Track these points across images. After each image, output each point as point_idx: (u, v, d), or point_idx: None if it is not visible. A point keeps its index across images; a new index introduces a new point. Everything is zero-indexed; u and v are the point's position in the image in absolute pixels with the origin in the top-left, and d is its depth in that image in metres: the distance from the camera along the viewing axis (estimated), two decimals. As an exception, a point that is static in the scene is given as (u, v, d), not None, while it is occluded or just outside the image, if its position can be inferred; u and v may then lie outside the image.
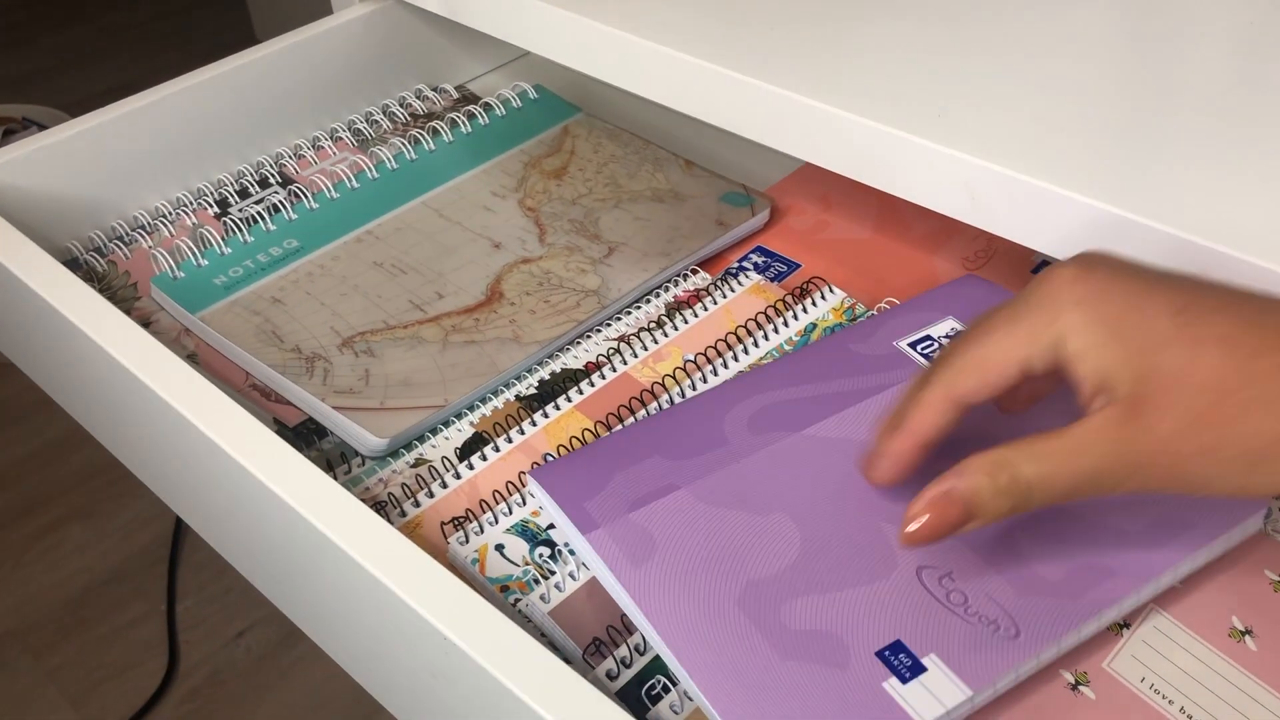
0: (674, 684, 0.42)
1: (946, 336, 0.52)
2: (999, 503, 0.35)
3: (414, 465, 0.54)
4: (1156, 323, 0.34)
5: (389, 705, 0.50)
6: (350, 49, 0.77)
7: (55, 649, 1.36)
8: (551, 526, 0.49)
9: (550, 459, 0.52)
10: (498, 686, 0.39)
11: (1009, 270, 0.66)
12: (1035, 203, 0.45)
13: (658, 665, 0.43)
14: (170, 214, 0.71)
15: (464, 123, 0.75)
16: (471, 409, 0.56)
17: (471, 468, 0.52)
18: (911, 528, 0.37)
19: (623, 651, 0.43)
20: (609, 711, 0.37)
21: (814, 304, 0.59)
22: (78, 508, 1.53)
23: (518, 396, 0.57)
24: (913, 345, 0.52)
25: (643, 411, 0.52)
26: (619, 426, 0.51)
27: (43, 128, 1.69)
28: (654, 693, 0.42)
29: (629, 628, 0.44)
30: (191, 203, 0.71)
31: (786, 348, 0.57)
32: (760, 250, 0.68)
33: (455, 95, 0.81)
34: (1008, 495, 0.35)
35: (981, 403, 0.38)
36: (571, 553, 0.47)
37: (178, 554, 1.48)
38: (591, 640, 0.43)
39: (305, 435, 0.57)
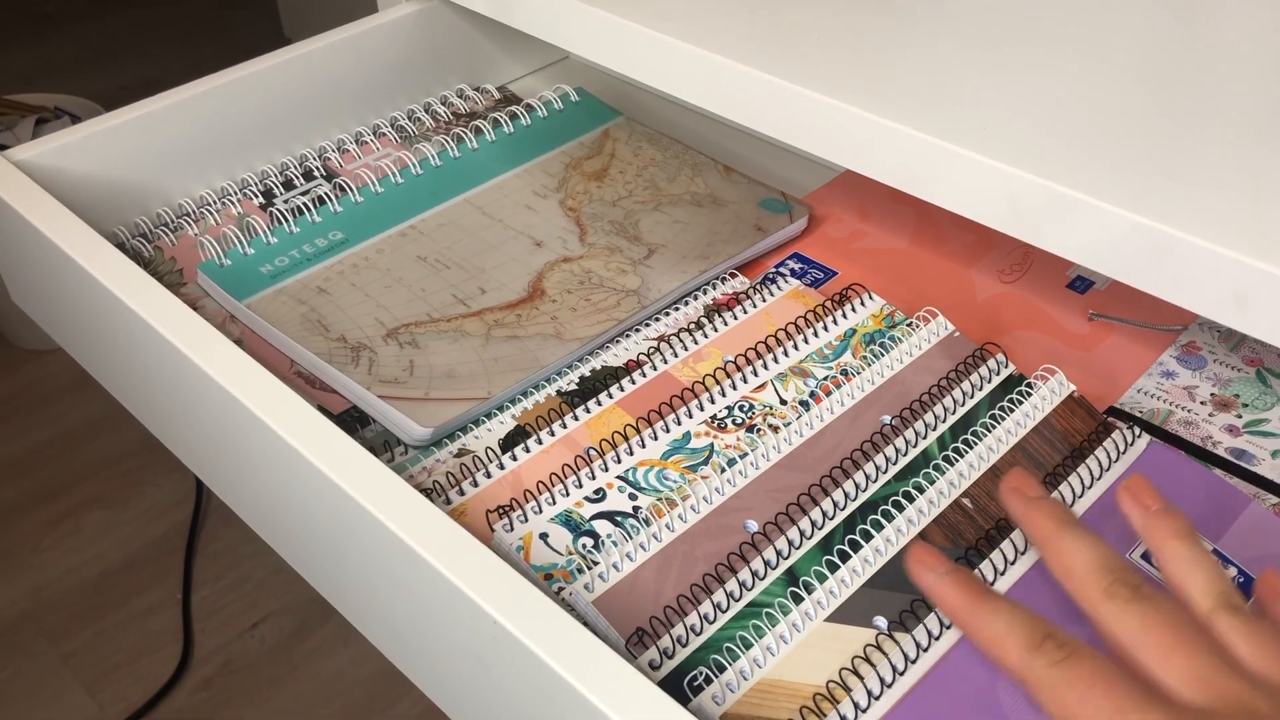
0: (717, 674, 0.43)
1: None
2: None
3: (457, 455, 0.54)
4: None
5: (430, 691, 0.50)
6: (394, 47, 0.79)
7: (71, 634, 1.37)
8: (595, 517, 0.49)
9: (593, 451, 0.53)
10: (546, 671, 0.39)
11: (1043, 286, 0.67)
12: (1078, 216, 0.46)
13: (699, 656, 0.44)
14: (215, 203, 0.72)
15: (506, 122, 0.76)
16: (514, 402, 0.57)
17: (515, 459, 0.53)
18: None
19: (665, 642, 0.44)
20: (656, 698, 0.38)
21: (853, 310, 0.60)
22: (97, 495, 1.55)
23: (559, 392, 0.58)
24: (1146, 558, 0.48)
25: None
26: None
27: (75, 117, 1.70)
28: (696, 684, 0.43)
29: (670, 620, 0.45)
30: (236, 193, 0.72)
31: (826, 351, 0.58)
32: (797, 257, 0.69)
33: (496, 96, 0.82)
34: None
35: None
36: (614, 544, 0.48)
37: (194, 543, 1.49)
38: (635, 630, 0.44)
39: (348, 424, 0.58)
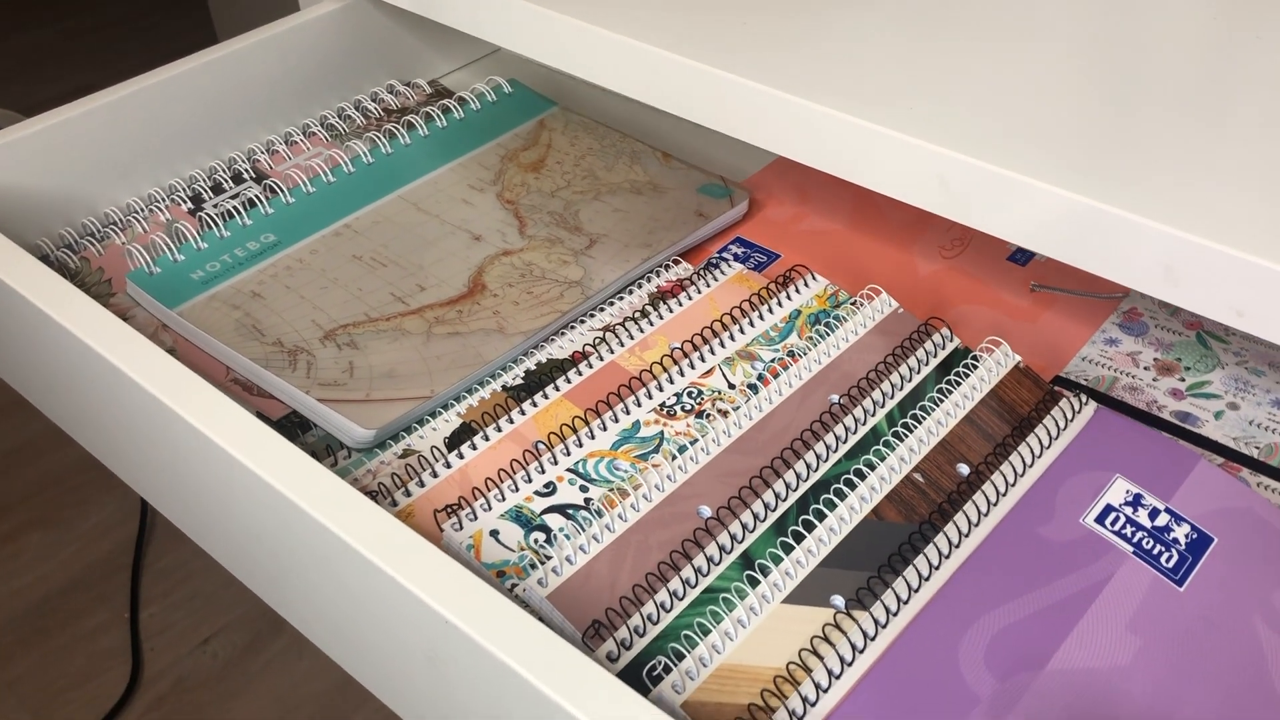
0: (676, 663, 0.42)
1: (1128, 504, 0.49)
2: None
3: (402, 456, 0.53)
4: None
5: (382, 694, 0.49)
6: (320, 44, 0.77)
7: (15, 659, 1.33)
8: (546, 511, 0.49)
9: (541, 445, 0.52)
10: (499, 666, 0.39)
11: (983, 260, 0.67)
12: (1008, 194, 0.45)
13: (657, 646, 0.43)
14: (143, 210, 0.70)
15: (439, 117, 0.75)
16: (458, 400, 0.56)
17: (462, 456, 0.52)
18: None
19: (623, 634, 0.43)
20: (614, 689, 0.37)
21: (797, 291, 0.60)
22: (37, 516, 1.50)
23: (504, 387, 0.57)
24: (1100, 521, 0.48)
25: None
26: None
27: None
28: (655, 673, 0.42)
29: (627, 610, 0.44)
30: (164, 199, 0.70)
31: (772, 334, 0.58)
32: (740, 241, 0.68)
33: (428, 90, 0.81)
34: None
35: None
36: (567, 537, 0.47)
37: (141, 560, 1.45)
38: (591, 623, 0.43)
39: (289, 429, 0.56)
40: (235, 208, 0.68)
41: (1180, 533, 0.48)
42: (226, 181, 0.72)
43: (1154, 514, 0.48)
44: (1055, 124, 0.47)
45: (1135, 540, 0.47)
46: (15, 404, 1.64)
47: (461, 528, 0.48)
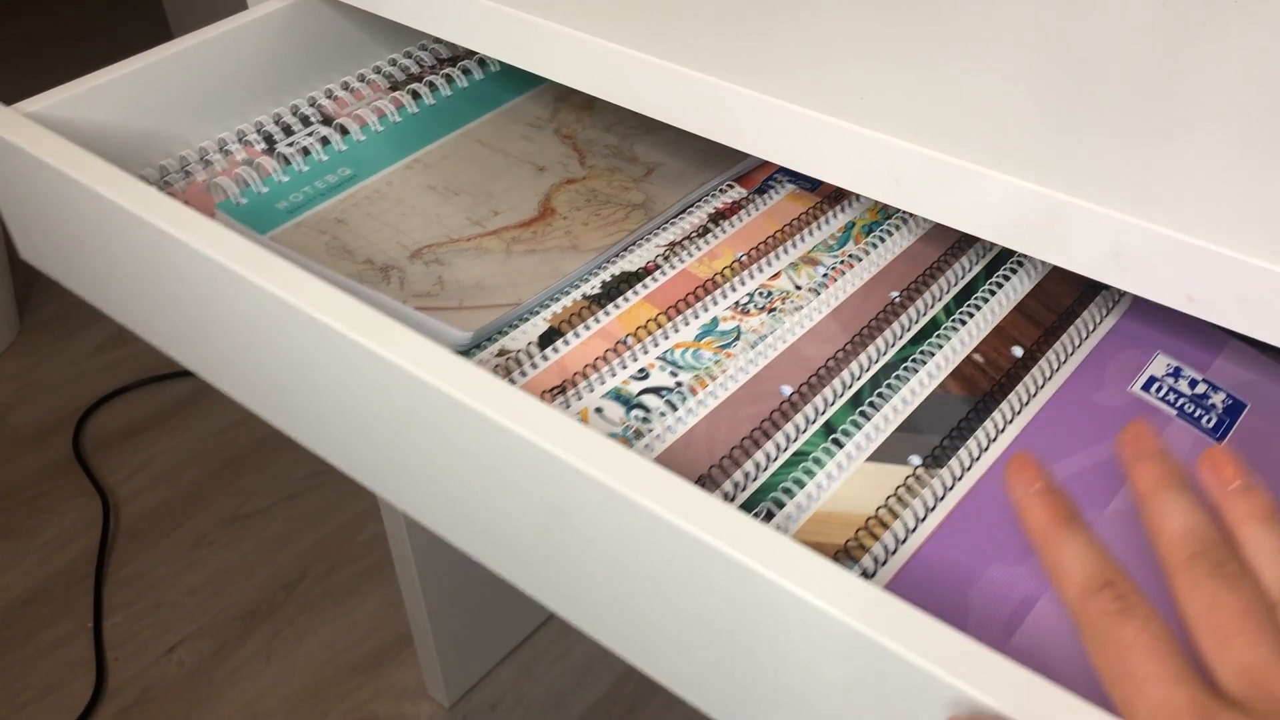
0: (777, 509, 0.47)
1: (1169, 375, 0.54)
2: None
3: (499, 354, 0.58)
4: None
5: (491, 563, 0.54)
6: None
7: (-24, 672, 1.31)
8: (642, 393, 0.53)
9: (630, 339, 0.56)
10: (630, 507, 0.43)
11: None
12: (958, 183, 0.45)
13: (757, 498, 0.48)
14: (217, 151, 0.74)
15: (493, 62, 0.79)
16: (544, 307, 0.61)
17: (556, 351, 0.56)
18: None
19: (726, 487, 0.48)
20: (739, 520, 0.42)
21: (850, 205, 0.65)
22: (-3, 526, 1.48)
23: (584, 296, 0.61)
24: (1145, 389, 0.53)
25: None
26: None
27: None
28: (760, 518, 0.47)
29: (727, 469, 0.49)
30: (236, 141, 0.74)
31: (830, 242, 0.62)
32: (784, 171, 0.73)
33: (476, 42, 0.85)
34: None
35: None
36: (661, 415, 0.52)
37: (104, 570, 1.43)
38: (697, 479, 0.48)
39: (385, 337, 0.60)
40: (311, 145, 0.72)
41: (1217, 399, 0.53)
42: (295, 124, 0.76)
43: (1193, 384, 0.54)
44: (1004, 112, 0.47)
45: (1178, 405, 0.53)
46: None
47: (569, 406, 0.52)
